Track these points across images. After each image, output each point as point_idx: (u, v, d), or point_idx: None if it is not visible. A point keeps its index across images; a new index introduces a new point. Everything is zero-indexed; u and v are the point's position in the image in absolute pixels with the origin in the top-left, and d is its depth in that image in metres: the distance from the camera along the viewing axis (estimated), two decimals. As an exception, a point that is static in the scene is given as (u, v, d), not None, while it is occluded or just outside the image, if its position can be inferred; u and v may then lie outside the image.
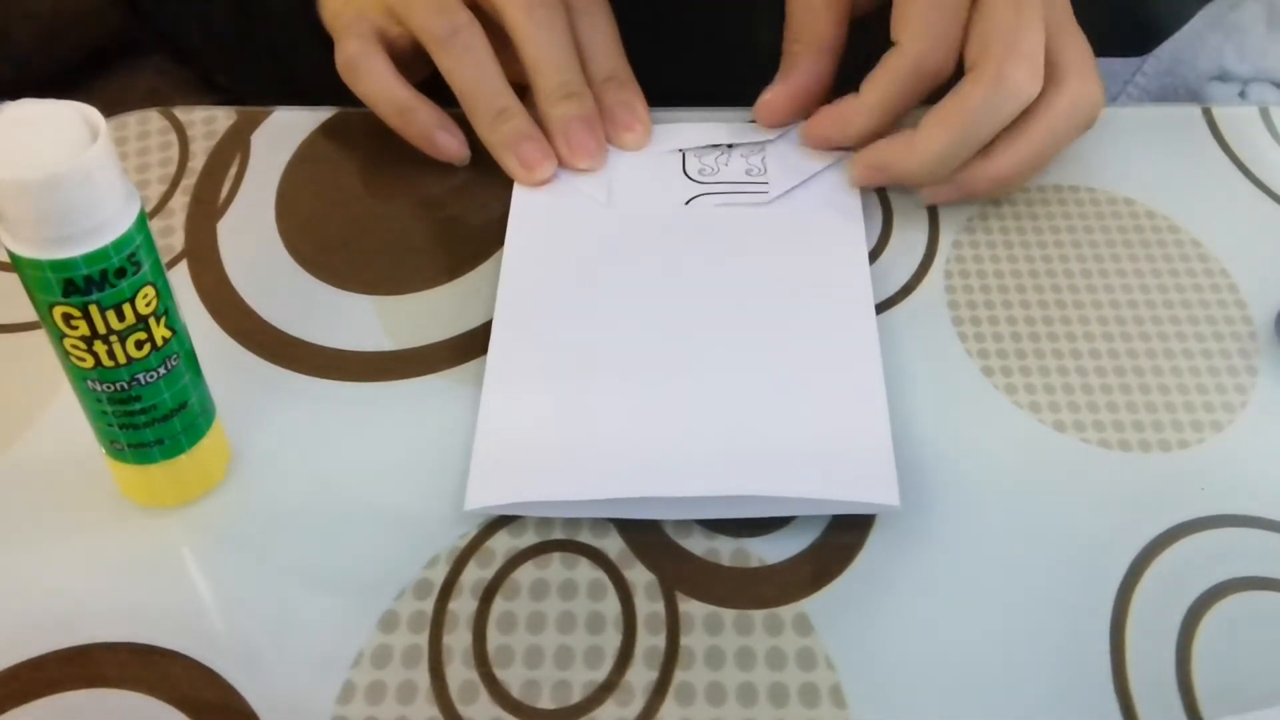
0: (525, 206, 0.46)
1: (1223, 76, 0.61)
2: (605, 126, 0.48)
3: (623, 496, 0.37)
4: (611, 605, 0.36)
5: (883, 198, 0.48)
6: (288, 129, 0.50)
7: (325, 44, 0.49)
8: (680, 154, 0.48)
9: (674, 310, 0.43)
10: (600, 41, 0.48)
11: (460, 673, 0.34)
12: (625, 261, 0.44)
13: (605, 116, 0.48)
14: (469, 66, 0.46)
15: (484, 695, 0.34)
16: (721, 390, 0.40)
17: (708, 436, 0.39)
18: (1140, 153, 0.50)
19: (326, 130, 0.50)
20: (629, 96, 0.48)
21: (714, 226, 0.46)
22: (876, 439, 0.38)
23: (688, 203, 0.46)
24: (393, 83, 0.47)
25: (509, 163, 0.47)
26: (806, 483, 0.37)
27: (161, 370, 0.34)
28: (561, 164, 0.47)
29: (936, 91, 0.44)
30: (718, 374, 0.41)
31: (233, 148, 0.50)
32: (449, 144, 0.47)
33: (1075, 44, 0.44)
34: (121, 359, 0.33)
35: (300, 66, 0.52)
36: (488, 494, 0.37)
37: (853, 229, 0.46)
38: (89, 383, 0.33)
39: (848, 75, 0.47)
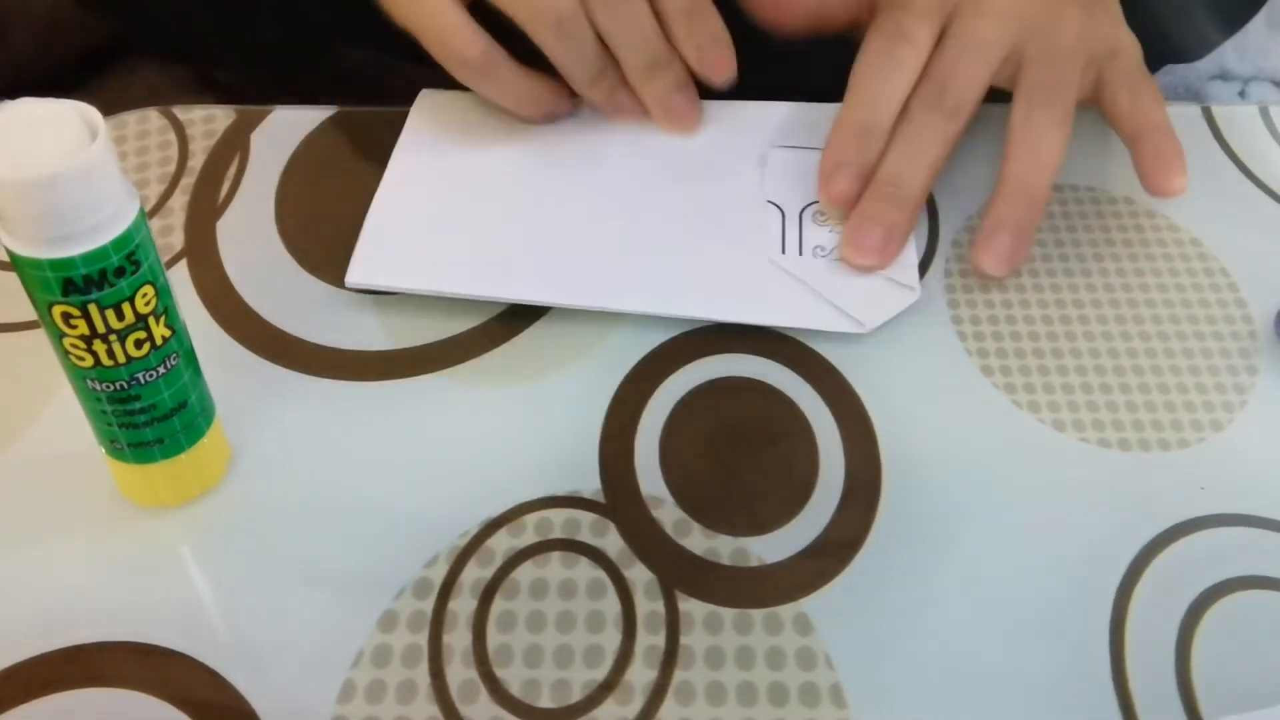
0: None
1: (1223, 76, 0.61)
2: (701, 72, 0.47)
3: (516, 299, 0.41)
4: (611, 604, 0.36)
5: (883, 197, 0.48)
6: (288, 128, 0.50)
7: (315, 46, 0.49)
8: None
9: (596, 178, 0.45)
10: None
11: (460, 672, 0.34)
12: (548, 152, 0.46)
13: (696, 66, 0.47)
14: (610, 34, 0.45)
15: (484, 694, 0.34)
16: (632, 214, 0.43)
17: (616, 251, 0.42)
18: (1140, 152, 0.50)
19: (326, 130, 0.50)
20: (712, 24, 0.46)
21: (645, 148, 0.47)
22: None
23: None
24: (527, 80, 0.46)
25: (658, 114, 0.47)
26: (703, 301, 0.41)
27: (161, 369, 0.34)
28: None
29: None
30: (629, 206, 0.43)
31: (232, 147, 0.50)
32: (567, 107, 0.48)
33: None
34: (121, 358, 0.33)
35: (294, 66, 0.52)
36: (369, 273, 0.41)
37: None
38: (89, 382, 0.33)
39: (825, 86, 0.47)
